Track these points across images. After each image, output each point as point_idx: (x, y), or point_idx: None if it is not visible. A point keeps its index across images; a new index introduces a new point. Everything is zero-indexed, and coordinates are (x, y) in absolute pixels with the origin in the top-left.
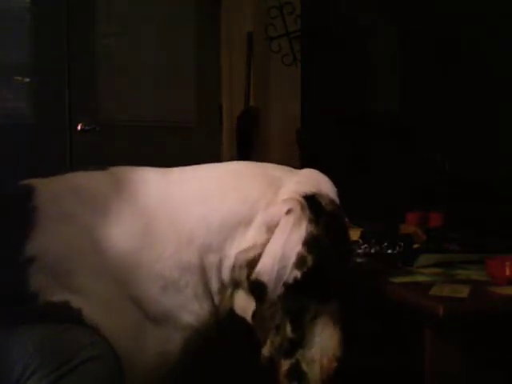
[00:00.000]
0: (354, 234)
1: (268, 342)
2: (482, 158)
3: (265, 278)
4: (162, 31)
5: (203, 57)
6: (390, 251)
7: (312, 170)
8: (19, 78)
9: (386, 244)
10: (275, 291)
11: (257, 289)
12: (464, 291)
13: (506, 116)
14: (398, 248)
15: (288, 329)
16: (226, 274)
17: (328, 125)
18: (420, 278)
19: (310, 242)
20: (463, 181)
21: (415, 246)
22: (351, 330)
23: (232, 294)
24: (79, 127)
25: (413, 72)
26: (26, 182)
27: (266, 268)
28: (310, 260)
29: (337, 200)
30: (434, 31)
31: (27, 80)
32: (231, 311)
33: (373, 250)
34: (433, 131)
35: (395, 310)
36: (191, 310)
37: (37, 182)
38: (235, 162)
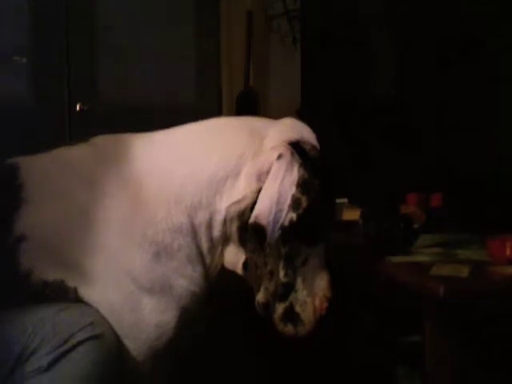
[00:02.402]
0: (354, 215)
1: (262, 289)
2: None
3: (263, 222)
4: (160, 12)
5: (202, 37)
6: (389, 231)
7: (291, 118)
8: (17, 58)
9: (385, 224)
10: (273, 234)
11: (257, 233)
12: (464, 271)
13: (507, 101)
14: (397, 228)
15: (281, 273)
16: (216, 230)
17: (327, 107)
18: (420, 258)
19: (302, 185)
20: (464, 164)
21: (415, 226)
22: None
23: (222, 252)
24: (78, 108)
25: (414, 55)
26: (10, 160)
27: (263, 211)
28: (304, 201)
29: (318, 146)
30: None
31: (25, 61)
32: (221, 270)
33: (372, 231)
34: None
35: (395, 290)
36: (185, 274)
37: (21, 160)
38: (215, 119)
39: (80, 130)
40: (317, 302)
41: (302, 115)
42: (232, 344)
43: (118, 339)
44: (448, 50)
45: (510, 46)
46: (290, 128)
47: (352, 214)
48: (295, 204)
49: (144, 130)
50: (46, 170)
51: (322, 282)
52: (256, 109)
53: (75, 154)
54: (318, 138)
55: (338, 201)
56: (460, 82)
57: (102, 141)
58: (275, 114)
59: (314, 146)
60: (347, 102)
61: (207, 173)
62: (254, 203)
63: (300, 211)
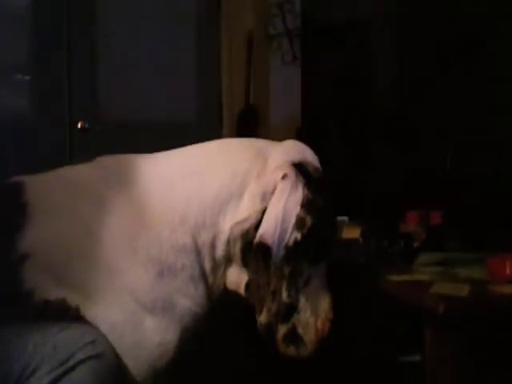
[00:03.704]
0: (354, 232)
1: (264, 310)
2: (484, 155)
3: (269, 241)
4: (161, 31)
5: (203, 55)
6: (389, 250)
7: (294, 140)
8: (18, 75)
9: (385, 242)
10: (278, 254)
11: (261, 252)
12: (464, 290)
13: (507, 101)
14: (397, 246)
15: (284, 294)
16: (219, 250)
17: (328, 124)
18: (420, 277)
19: (307, 205)
20: (464, 178)
21: (415, 244)
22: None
23: (224, 272)
24: (79, 126)
25: (414, 69)
26: (14, 178)
27: (269, 231)
28: (308, 221)
29: (320, 168)
30: (434, 28)
31: (27, 78)
32: (223, 291)
33: (373, 249)
34: (435, 130)
35: (395, 308)
36: (187, 294)
37: (25, 178)
38: (219, 140)
39: (81, 147)
40: (319, 324)
41: (302, 133)
42: (233, 342)
43: (118, 358)
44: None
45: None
46: (293, 149)
47: (352, 233)
48: (300, 223)
49: (145, 146)
50: (50, 189)
51: (324, 303)
52: (257, 126)
53: (80, 172)
54: (320, 156)
55: (339, 219)
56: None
57: (106, 160)
58: (276, 132)
59: (316, 167)
60: (348, 120)
61: (212, 193)
62: (257, 223)
63: (304, 231)
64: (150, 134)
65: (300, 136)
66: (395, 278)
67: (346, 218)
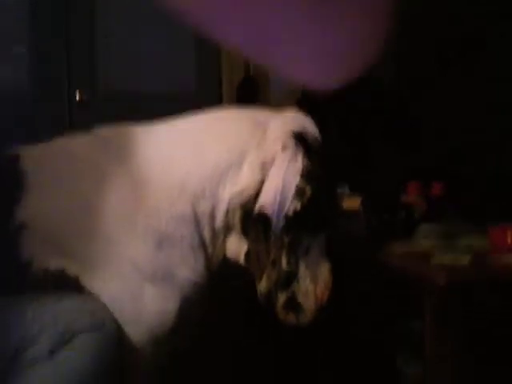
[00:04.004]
0: (354, 203)
1: (264, 278)
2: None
3: (269, 211)
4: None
5: None
6: (390, 221)
7: (294, 110)
8: (17, 47)
9: (386, 214)
10: (278, 224)
11: (261, 222)
12: (465, 260)
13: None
14: (398, 218)
15: (284, 262)
16: (219, 220)
17: (329, 99)
18: (421, 248)
19: (306, 174)
20: (465, 150)
21: (416, 215)
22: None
23: (224, 241)
24: (78, 95)
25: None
26: (12, 150)
27: (268, 201)
28: (308, 191)
29: (319, 138)
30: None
31: (25, 50)
32: (223, 261)
33: (373, 220)
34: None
35: (396, 279)
36: (187, 264)
37: (21, 149)
38: (218, 109)
39: (80, 118)
40: (318, 291)
41: (302, 104)
42: (234, 330)
43: (118, 327)
44: (448, 50)
45: (510, 45)
46: (293, 119)
47: (352, 202)
48: (299, 193)
49: (144, 117)
50: (48, 159)
51: (323, 272)
52: (256, 97)
53: (78, 143)
54: (319, 126)
55: (339, 189)
56: (460, 82)
57: (105, 132)
58: (275, 103)
59: (316, 138)
60: (347, 88)
61: (211, 163)
62: (256, 193)
63: (304, 200)
64: (150, 103)
65: (300, 108)
66: (396, 249)
67: (346, 188)
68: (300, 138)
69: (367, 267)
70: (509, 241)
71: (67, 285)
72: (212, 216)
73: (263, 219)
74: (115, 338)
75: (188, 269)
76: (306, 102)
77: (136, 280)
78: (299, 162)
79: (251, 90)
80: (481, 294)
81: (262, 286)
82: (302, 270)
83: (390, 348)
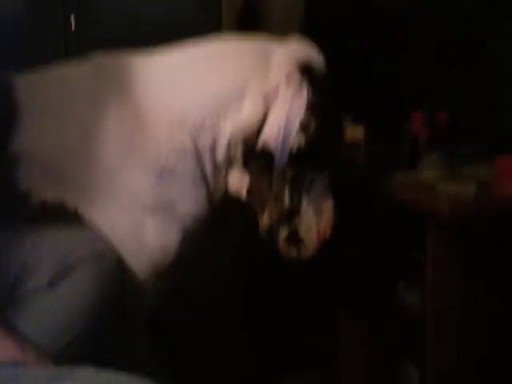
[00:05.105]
0: (357, 132)
1: (266, 212)
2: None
3: (272, 145)
4: None
5: None
6: (394, 151)
7: (298, 39)
8: None
9: (390, 144)
10: (281, 158)
11: (264, 157)
12: (471, 189)
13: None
14: (403, 148)
15: (286, 197)
16: (220, 154)
17: (332, 26)
18: (425, 177)
19: (311, 108)
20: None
21: (420, 144)
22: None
23: (226, 176)
24: (73, 25)
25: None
26: (2, 73)
27: (271, 136)
28: (312, 125)
29: (324, 70)
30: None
31: None
32: (224, 196)
33: (377, 150)
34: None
35: (400, 209)
36: (188, 198)
37: (15, 77)
38: (219, 38)
39: (75, 42)
40: (320, 226)
41: (306, 31)
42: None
43: (119, 258)
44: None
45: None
46: (297, 49)
47: (355, 132)
48: (303, 127)
49: (143, 41)
50: (41, 84)
51: (325, 207)
52: (257, 23)
53: (74, 70)
54: (325, 55)
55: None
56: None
57: (101, 59)
58: (278, 30)
59: (321, 68)
60: (352, 20)
61: (210, 94)
62: (259, 128)
63: (308, 135)
64: (149, 27)
65: (303, 33)
66: (400, 178)
67: (348, 116)
68: (305, 69)
69: (370, 198)
70: None
71: (66, 217)
72: (213, 150)
73: (266, 154)
74: (116, 267)
75: (189, 202)
76: (310, 26)
77: (136, 211)
78: (304, 95)
79: (252, 15)
80: (483, 227)
81: (264, 220)
82: (305, 206)
83: (390, 276)
